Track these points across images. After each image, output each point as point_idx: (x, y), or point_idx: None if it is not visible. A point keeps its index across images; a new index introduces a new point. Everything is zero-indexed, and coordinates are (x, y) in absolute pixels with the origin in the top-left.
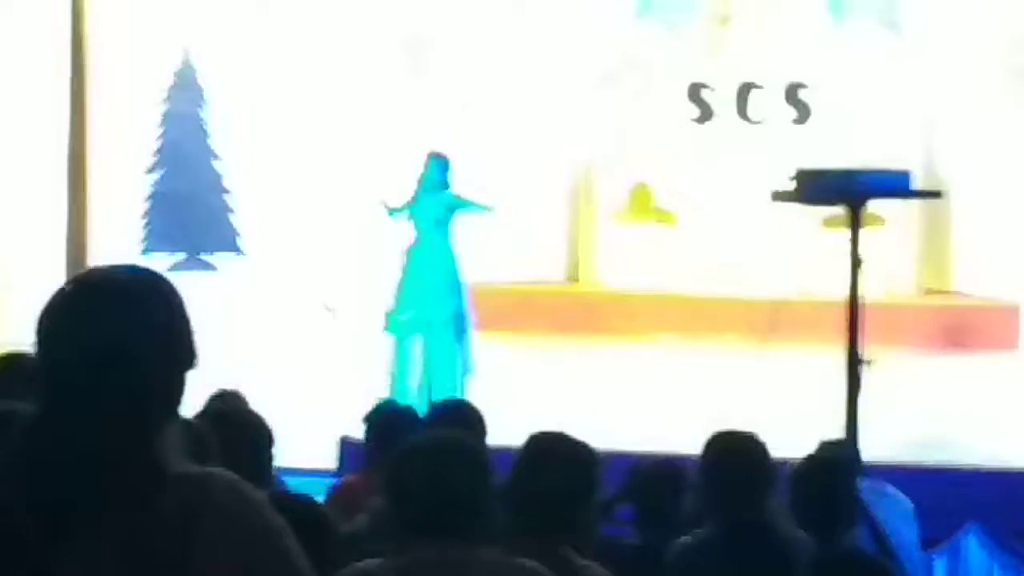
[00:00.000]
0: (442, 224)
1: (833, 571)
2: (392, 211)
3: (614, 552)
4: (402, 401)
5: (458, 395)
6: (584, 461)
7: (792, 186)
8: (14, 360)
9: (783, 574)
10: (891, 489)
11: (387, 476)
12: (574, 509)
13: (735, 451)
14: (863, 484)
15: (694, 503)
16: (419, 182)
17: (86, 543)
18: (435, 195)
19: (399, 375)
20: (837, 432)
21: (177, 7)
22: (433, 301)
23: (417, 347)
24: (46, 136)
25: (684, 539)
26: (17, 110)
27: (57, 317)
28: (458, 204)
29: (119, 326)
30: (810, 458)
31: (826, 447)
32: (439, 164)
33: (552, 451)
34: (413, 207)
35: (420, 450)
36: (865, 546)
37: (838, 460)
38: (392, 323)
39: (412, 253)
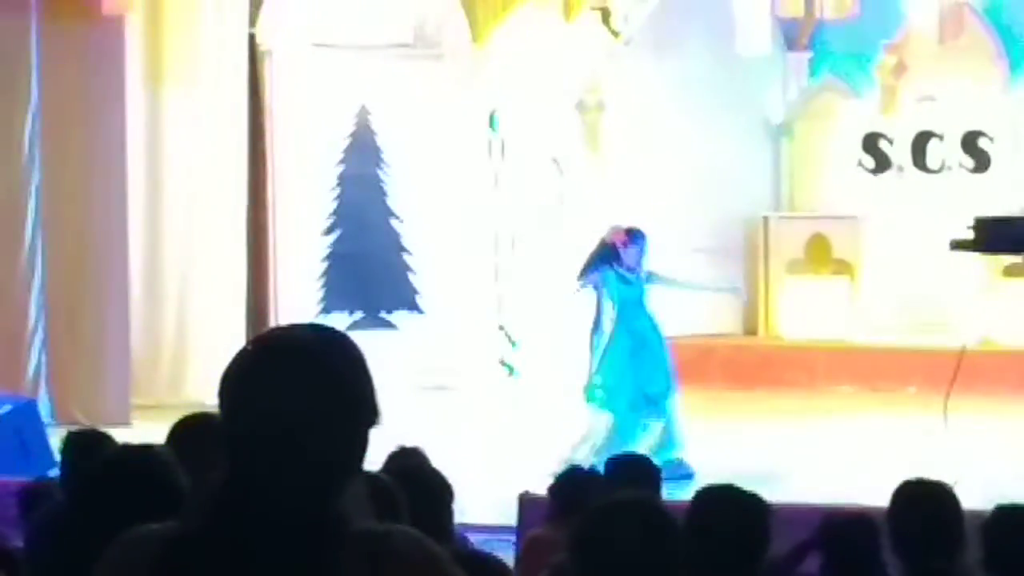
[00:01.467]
0: (644, 301)
1: None
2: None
3: None
4: None
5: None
6: (754, 512)
7: (972, 235)
8: (202, 420)
9: None
10: None
11: (572, 535)
12: (745, 559)
13: (924, 499)
14: None
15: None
16: (608, 255)
17: None
18: (638, 274)
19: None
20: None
21: (354, 69)
22: (641, 379)
23: (619, 422)
24: (226, 199)
25: None
26: (198, 172)
27: (240, 380)
28: (661, 283)
29: (302, 387)
30: (1000, 508)
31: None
32: (639, 242)
33: (721, 503)
34: (615, 286)
35: (605, 510)
36: None
37: None
38: (594, 395)
39: (619, 328)
